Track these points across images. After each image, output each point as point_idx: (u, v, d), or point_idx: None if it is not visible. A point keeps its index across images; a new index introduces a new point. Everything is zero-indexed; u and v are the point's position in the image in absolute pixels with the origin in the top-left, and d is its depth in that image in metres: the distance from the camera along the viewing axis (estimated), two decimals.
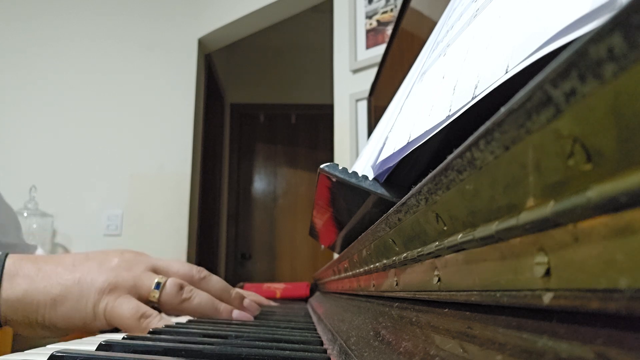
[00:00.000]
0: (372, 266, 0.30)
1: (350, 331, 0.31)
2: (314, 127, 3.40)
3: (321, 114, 3.12)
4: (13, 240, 0.71)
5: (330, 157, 2.15)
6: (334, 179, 0.36)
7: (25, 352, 0.29)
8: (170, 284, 0.48)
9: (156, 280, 0.47)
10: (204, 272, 0.53)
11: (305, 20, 2.96)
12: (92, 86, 2.36)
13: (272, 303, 0.96)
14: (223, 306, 0.52)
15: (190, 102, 2.38)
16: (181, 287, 0.48)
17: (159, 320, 0.45)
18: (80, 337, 0.37)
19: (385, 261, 0.26)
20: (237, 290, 0.55)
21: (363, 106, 1.69)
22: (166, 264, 0.50)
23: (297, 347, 0.31)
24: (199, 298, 0.50)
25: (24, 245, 0.74)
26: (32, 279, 0.43)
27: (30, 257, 0.46)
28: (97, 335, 0.39)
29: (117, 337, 0.33)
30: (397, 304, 0.26)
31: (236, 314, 0.53)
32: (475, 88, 0.20)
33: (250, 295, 0.94)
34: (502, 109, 0.11)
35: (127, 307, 0.44)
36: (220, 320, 0.52)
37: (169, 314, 0.50)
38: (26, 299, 0.42)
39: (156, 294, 0.47)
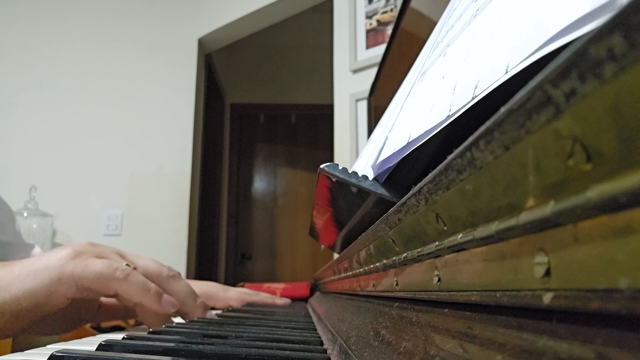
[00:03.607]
0: (372, 266, 0.30)
1: (350, 331, 0.31)
2: (314, 127, 3.40)
3: (321, 114, 3.13)
4: (8, 238, 0.71)
5: (330, 157, 2.15)
6: (334, 179, 0.36)
7: (25, 352, 0.29)
8: (149, 258, 0.46)
9: (125, 263, 0.45)
10: (174, 271, 0.51)
11: (305, 20, 2.96)
12: (92, 86, 2.36)
13: (278, 301, 0.96)
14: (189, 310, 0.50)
15: (190, 102, 2.38)
16: (162, 264, 0.47)
17: (138, 275, 0.43)
18: (80, 337, 0.37)
19: (385, 261, 0.26)
20: (203, 301, 0.53)
21: (363, 106, 1.69)
22: (136, 258, 0.49)
23: (297, 347, 0.31)
24: (183, 281, 0.48)
25: (20, 244, 0.73)
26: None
27: (6, 262, 0.45)
28: (97, 336, 0.39)
29: (117, 337, 0.33)
30: (397, 304, 0.26)
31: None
32: (475, 88, 0.20)
33: (254, 295, 0.94)
34: (502, 109, 0.11)
35: (100, 263, 0.42)
36: (220, 320, 0.51)
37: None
38: None
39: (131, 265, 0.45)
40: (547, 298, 0.10)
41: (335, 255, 0.84)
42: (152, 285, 0.44)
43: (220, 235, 3.17)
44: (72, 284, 0.42)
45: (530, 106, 0.10)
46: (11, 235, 0.72)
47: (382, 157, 0.33)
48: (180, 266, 2.18)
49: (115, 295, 0.43)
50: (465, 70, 0.23)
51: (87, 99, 2.35)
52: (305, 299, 1.19)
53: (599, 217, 0.08)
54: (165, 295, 0.45)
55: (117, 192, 2.27)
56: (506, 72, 0.17)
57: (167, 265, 0.51)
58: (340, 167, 0.36)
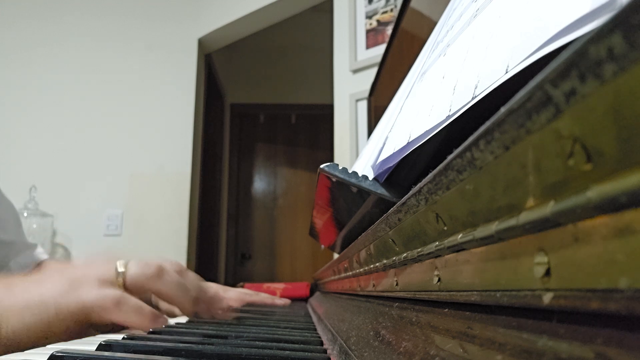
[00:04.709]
0: (372, 266, 0.30)
1: (350, 331, 0.31)
2: (314, 127, 3.40)
3: (321, 114, 3.12)
4: (11, 238, 0.71)
5: (330, 157, 2.15)
6: (334, 179, 0.36)
7: (25, 352, 0.29)
8: (134, 262, 0.45)
9: (119, 262, 0.45)
10: (161, 269, 0.48)
11: (305, 20, 2.96)
12: (92, 86, 2.37)
13: (278, 301, 0.96)
14: (193, 292, 0.49)
15: (190, 102, 2.38)
16: (147, 264, 0.46)
17: (129, 300, 0.43)
18: (80, 338, 0.37)
19: (385, 261, 0.26)
20: (195, 294, 0.52)
21: (363, 106, 1.69)
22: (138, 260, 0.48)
23: (297, 347, 0.31)
24: (170, 277, 0.47)
25: (22, 244, 0.73)
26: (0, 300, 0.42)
27: (6, 281, 0.45)
28: (97, 336, 0.39)
29: (117, 337, 0.33)
30: (397, 304, 0.25)
31: (202, 307, 0.51)
32: (475, 88, 0.20)
33: (253, 296, 0.94)
34: (502, 109, 0.11)
35: (91, 294, 0.42)
36: (220, 320, 0.51)
37: (140, 299, 0.48)
38: None
39: (121, 278, 0.44)
40: (547, 298, 0.10)
41: (335, 255, 0.84)
42: (147, 309, 0.43)
43: (220, 235, 3.17)
44: (68, 318, 0.42)
45: (530, 106, 0.10)
46: (13, 234, 0.72)
47: (382, 157, 0.33)
48: None
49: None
50: (465, 70, 0.23)
51: (87, 99, 2.35)
52: (305, 299, 1.19)
53: (599, 217, 0.08)
54: (162, 319, 0.44)
55: (117, 192, 2.27)
56: (506, 72, 0.17)
57: (158, 259, 0.49)
58: (340, 167, 0.36)
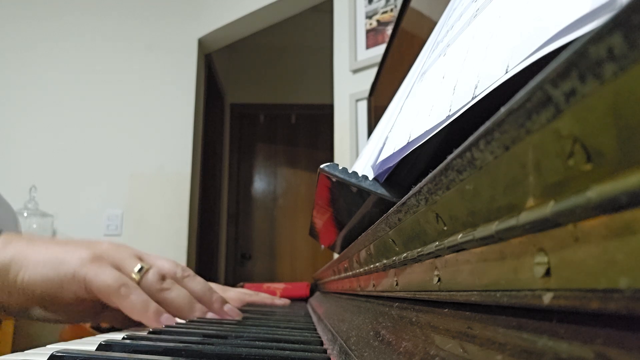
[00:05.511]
0: (372, 266, 0.30)
1: (350, 331, 0.31)
2: (314, 127, 3.40)
3: (321, 114, 3.12)
4: None
5: (330, 157, 2.15)
6: (334, 179, 0.36)
7: (25, 352, 0.29)
8: (153, 271, 0.48)
9: (140, 265, 0.48)
10: (188, 271, 0.53)
11: (305, 20, 2.96)
12: (92, 86, 2.36)
13: (277, 301, 0.96)
14: (199, 306, 0.51)
15: (190, 102, 2.38)
16: (163, 278, 0.49)
17: (140, 294, 0.45)
18: (80, 338, 0.37)
19: (385, 261, 0.26)
20: (220, 295, 0.55)
21: (363, 106, 1.69)
22: (153, 257, 0.51)
23: (297, 347, 0.31)
24: (178, 292, 0.49)
25: None
26: (22, 247, 0.45)
27: (30, 236, 0.47)
28: (97, 336, 0.39)
29: (117, 337, 0.33)
30: (397, 304, 0.26)
31: (210, 315, 0.52)
32: (475, 88, 0.20)
33: (253, 296, 0.94)
34: (502, 109, 0.11)
35: (110, 275, 0.44)
36: (220, 320, 0.51)
37: None
38: (12, 263, 0.43)
39: (137, 277, 0.47)
40: (547, 298, 0.10)
41: (335, 255, 0.84)
42: (152, 305, 0.45)
43: (220, 235, 3.17)
44: (82, 286, 0.44)
45: (530, 106, 0.10)
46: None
47: (382, 157, 0.33)
48: None
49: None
50: (465, 70, 0.23)
51: (87, 99, 2.35)
52: (305, 299, 1.19)
53: (599, 217, 0.08)
54: (165, 315, 0.46)
55: (117, 192, 2.27)
56: (506, 72, 0.17)
57: (181, 265, 0.53)
58: (340, 167, 0.36)
